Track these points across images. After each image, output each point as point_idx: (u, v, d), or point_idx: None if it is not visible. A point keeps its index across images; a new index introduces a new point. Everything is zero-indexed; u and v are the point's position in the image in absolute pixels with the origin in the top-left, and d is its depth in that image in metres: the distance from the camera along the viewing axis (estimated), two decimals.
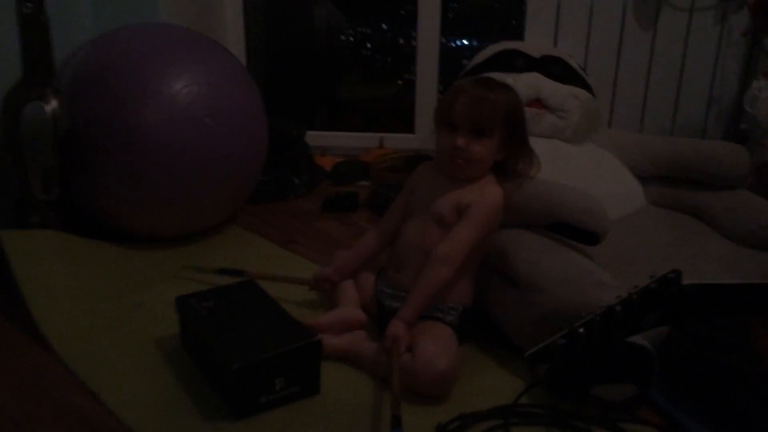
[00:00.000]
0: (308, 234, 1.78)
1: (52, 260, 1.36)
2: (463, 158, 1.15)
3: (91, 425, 0.97)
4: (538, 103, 1.63)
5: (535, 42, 2.06)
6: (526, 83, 1.63)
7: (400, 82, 3.09)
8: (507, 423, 0.97)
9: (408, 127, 2.57)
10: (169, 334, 1.19)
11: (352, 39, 3.09)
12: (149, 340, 1.19)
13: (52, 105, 1.38)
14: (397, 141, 2.47)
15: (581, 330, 0.71)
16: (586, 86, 1.75)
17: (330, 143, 2.42)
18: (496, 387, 1.08)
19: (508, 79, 1.49)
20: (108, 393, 1.04)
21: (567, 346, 0.71)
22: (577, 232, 1.19)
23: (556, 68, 1.73)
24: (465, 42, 3.04)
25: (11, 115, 1.37)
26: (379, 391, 1.06)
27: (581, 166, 1.59)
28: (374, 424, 0.98)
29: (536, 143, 1.25)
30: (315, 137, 2.34)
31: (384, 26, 3.14)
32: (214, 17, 2.24)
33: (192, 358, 1.13)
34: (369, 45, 3.17)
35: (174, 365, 1.12)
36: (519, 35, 2.22)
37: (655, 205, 1.64)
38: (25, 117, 1.36)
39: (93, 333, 1.21)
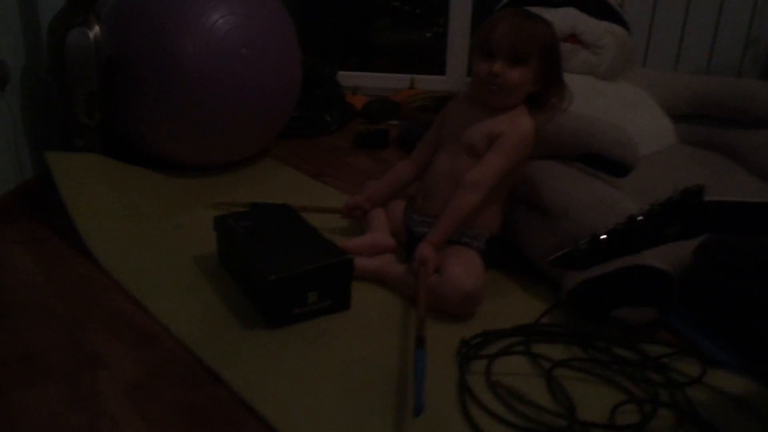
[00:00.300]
0: (339, 168, 1.82)
1: (94, 181, 1.41)
2: (498, 84, 1.16)
3: (137, 330, 1.04)
4: (572, 38, 1.61)
5: None
6: (561, 18, 1.61)
7: (429, 34, 3.06)
8: (528, 340, 1.01)
9: (439, 70, 2.56)
10: (207, 253, 1.25)
11: None
12: (188, 257, 1.25)
13: (95, 31, 1.42)
14: (427, 82, 2.47)
15: (603, 237, 0.74)
16: (622, 23, 1.72)
17: (361, 83, 2.43)
18: (520, 309, 1.11)
19: (544, 13, 1.48)
20: (152, 303, 1.10)
21: (589, 252, 0.74)
22: (606, 163, 1.20)
23: (592, 4, 1.71)
24: None
25: (56, 40, 1.41)
26: (406, 310, 1.11)
27: (614, 103, 1.58)
28: (400, 339, 1.03)
29: (569, 78, 1.25)
30: (347, 77, 2.35)
31: None
32: None
33: (229, 274, 1.19)
34: None
35: (212, 280, 1.18)
36: None
37: (686, 143, 1.63)
38: (69, 42, 1.40)
39: (135, 250, 1.27)
